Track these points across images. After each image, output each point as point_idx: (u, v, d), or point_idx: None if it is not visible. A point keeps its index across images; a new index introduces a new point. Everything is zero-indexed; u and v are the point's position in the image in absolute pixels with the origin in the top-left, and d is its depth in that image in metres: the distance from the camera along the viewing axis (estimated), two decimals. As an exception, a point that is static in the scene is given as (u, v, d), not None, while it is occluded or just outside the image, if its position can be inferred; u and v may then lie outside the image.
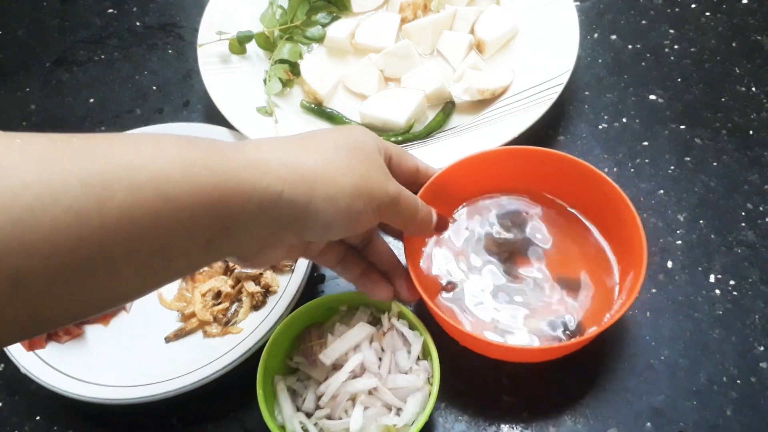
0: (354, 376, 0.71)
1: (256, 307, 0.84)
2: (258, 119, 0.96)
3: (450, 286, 0.79)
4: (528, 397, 0.77)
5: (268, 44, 1.06)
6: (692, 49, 1.06)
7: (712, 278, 0.84)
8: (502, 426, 0.76)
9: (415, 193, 0.70)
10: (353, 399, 0.70)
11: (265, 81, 1.02)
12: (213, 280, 0.86)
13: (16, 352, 0.80)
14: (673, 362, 0.78)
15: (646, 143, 0.96)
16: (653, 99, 1.01)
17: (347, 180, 0.59)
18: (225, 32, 1.03)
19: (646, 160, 0.95)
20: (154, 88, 1.12)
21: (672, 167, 0.94)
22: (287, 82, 1.03)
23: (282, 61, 1.04)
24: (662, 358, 0.78)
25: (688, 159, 0.94)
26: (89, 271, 0.46)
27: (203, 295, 0.85)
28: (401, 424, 0.69)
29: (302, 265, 0.84)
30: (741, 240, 0.86)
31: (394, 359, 0.73)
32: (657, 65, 1.05)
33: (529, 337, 0.75)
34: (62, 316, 0.48)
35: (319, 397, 0.72)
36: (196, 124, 0.99)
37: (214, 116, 0.99)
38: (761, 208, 0.89)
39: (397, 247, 0.89)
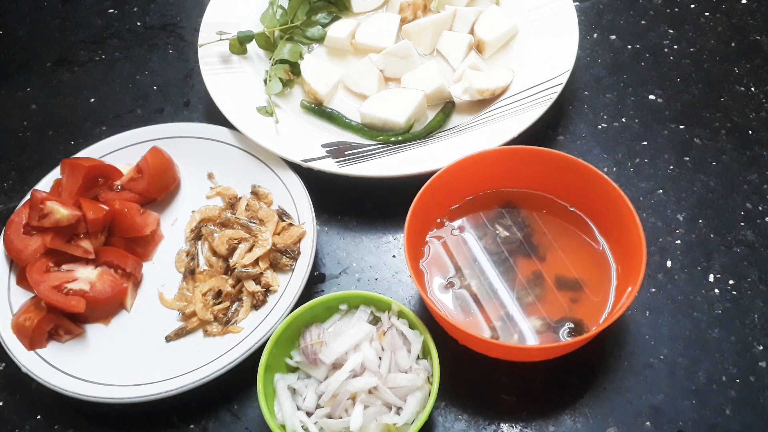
0: (354, 375, 0.71)
1: (256, 307, 0.84)
2: (258, 119, 0.96)
3: (450, 285, 0.79)
4: (527, 396, 0.77)
5: (268, 44, 1.06)
6: (691, 49, 1.07)
7: (711, 277, 0.84)
8: (502, 425, 0.76)
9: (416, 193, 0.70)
10: (353, 398, 0.70)
11: (265, 81, 1.03)
12: (213, 279, 0.86)
13: (17, 351, 0.81)
14: (673, 361, 0.78)
15: (645, 143, 0.97)
16: (652, 99, 1.01)
17: None
18: (225, 32, 1.03)
19: (646, 160, 0.95)
20: (155, 88, 1.12)
21: (671, 167, 0.94)
22: (287, 82, 1.03)
23: (282, 61, 1.04)
24: (661, 357, 0.78)
25: (688, 159, 0.95)
26: None
27: (204, 295, 0.85)
28: (401, 423, 0.69)
29: (302, 264, 0.84)
30: (740, 239, 0.87)
31: (394, 358, 0.73)
32: (656, 65, 1.05)
33: (529, 336, 0.75)
34: None
35: (319, 396, 0.72)
36: (197, 124, 0.99)
37: (215, 116, 0.99)
38: (760, 208, 0.89)
39: (398, 246, 0.90)
